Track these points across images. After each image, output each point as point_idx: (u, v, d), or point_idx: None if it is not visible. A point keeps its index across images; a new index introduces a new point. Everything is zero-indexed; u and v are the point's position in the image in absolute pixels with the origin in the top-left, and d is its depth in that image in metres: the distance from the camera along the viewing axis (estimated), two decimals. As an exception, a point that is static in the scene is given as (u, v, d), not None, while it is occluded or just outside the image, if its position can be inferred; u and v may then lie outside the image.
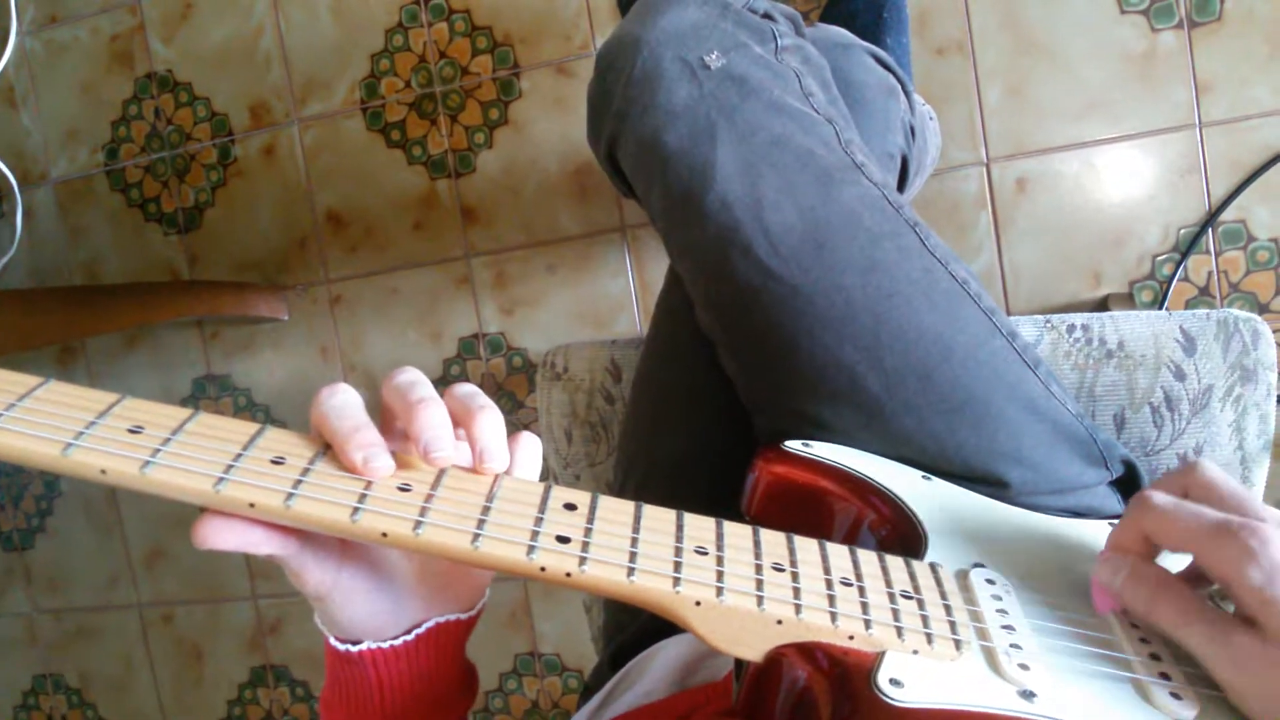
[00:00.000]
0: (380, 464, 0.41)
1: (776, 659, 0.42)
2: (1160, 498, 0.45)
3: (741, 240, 0.62)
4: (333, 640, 0.49)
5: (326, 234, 1.57)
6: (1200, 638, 0.42)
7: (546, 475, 1.43)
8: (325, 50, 1.54)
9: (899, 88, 0.84)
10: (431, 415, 0.43)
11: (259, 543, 0.41)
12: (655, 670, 0.66)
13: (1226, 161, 1.25)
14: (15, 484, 1.79)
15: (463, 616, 0.52)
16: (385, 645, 0.49)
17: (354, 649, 0.49)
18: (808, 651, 0.42)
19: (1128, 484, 0.66)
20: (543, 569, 0.40)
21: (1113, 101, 1.28)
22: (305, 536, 0.44)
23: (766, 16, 0.70)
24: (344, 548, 0.46)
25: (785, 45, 0.68)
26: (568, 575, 0.41)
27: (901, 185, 0.86)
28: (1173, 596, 0.44)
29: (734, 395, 0.71)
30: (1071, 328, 0.77)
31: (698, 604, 0.41)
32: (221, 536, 0.40)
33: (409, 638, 0.49)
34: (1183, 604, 0.43)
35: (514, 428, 1.50)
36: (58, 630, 1.80)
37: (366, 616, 0.48)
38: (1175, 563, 0.47)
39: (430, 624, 0.50)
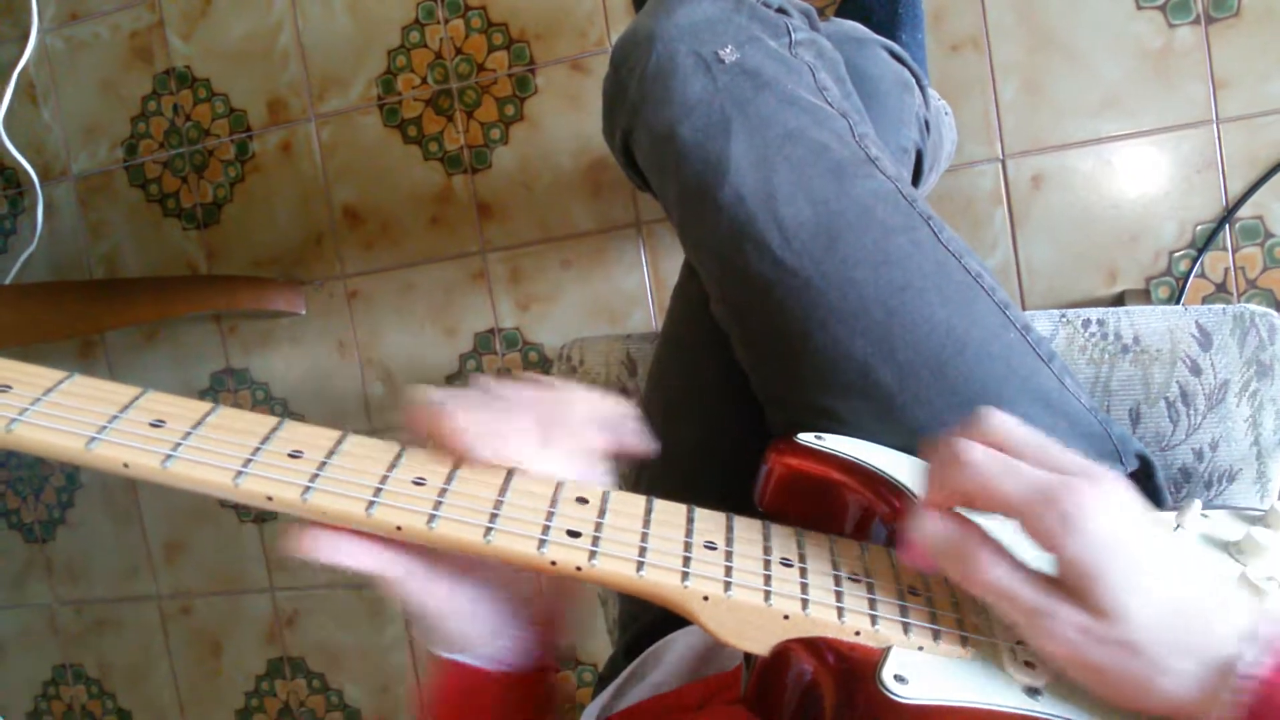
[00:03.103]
0: None
1: (783, 653, 0.43)
2: (974, 454, 0.41)
3: (755, 233, 0.63)
4: (458, 657, 0.48)
5: (343, 229, 1.58)
6: (1020, 613, 0.40)
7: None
8: (342, 47, 1.55)
9: (913, 82, 0.84)
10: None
11: (359, 555, 0.41)
12: (668, 661, 0.67)
13: (1244, 157, 1.25)
14: (36, 476, 1.80)
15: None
16: (508, 668, 0.48)
17: (473, 662, 0.48)
18: (814, 646, 0.42)
19: (1143, 479, 0.66)
20: (553, 563, 0.41)
21: (1129, 97, 1.27)
22: (419, 559, 0.43)
23: (780, 11, 0.70)
24: (454, 567, 0.45)
25: (799, 39, 0.69)
26: (578, 569, 0.41)
27: (916, 180, 0.86)
28: (990, 565, 0.41)
29: (748, 388, 0.71)
30: (1087, 322, 0.77)
31: (705, 599, 0.42)
32: (324, 549, 0.41)
33: (526, 661, 0.49)
34: (1000, 574, 0.40)
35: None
36: (78, 621, 1.82)
37: (478, 635, 0.47)
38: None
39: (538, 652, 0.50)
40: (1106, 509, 0.39)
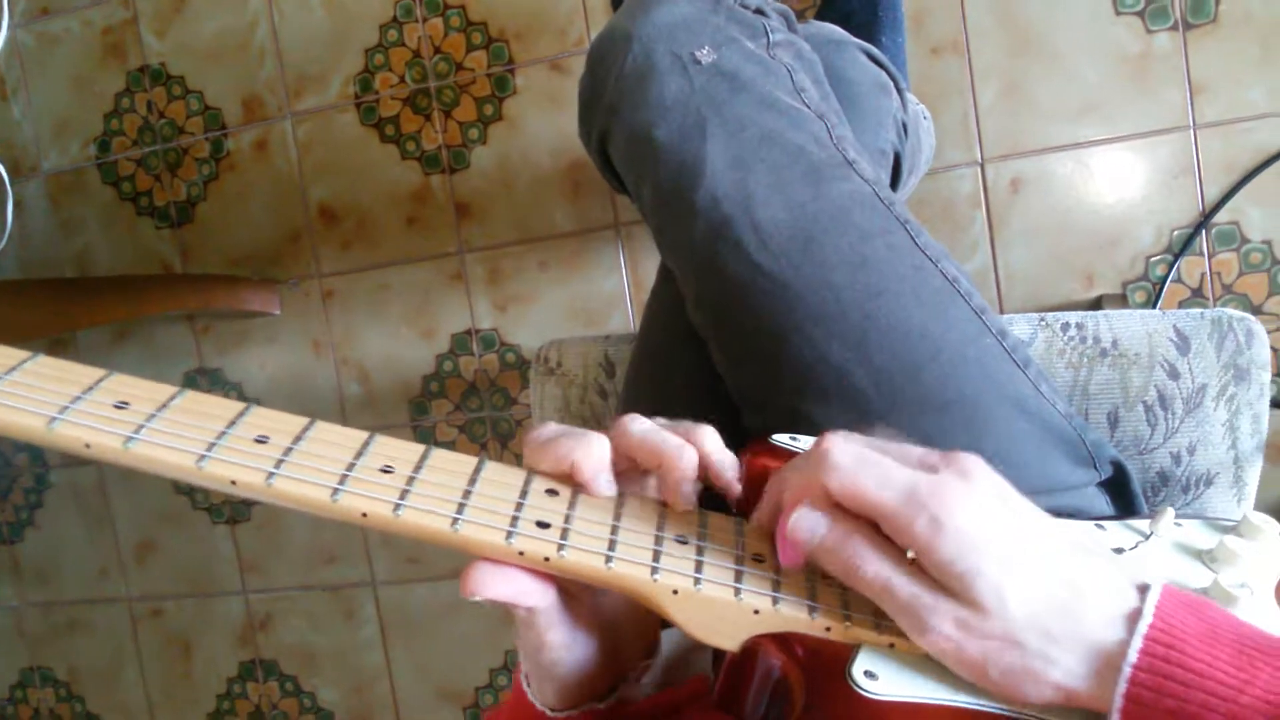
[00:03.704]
0: None
1: (753, 648, 0.42)
2: (840, 455, 0.41)
3: (731, 235, 0.62)
4: (553, 714, 0.47)
5: (319, 229, 1.57)
6: (896, 608, 0.39)
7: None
8: (319, 44, 1.54)
9: (892, 85, 0.84)
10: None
11: (529, 591, 0.41)
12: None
13: (1220, 163, 1.25)
14: (4, 476, 1.78)
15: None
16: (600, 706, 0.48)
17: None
18: (783, 641, 0.42)
19: (1116, 485, 0.66)
20: (521, 553, 0.40)
21: (1107, 102, 1.28)
22: (563, 591, 0.43)
23: (759, 12, 0.70)
24: (576, 615, 0.45)
25: (777, 41, 0.68)
26: (546, 560, 0.40)
27: (894, 183, 0.86)
28: (864, 559, 0.40)
29: (723, 392, 0.70)
30: (1066, 326, 0.77)
31: (675, 592, 0.41)
32: (493, 585, 0.40)
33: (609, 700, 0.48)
34: (874, 568, 0.40)
35: (506, 425, 1.50)
36: (46, 623, 1.80)
37: (584, 680, 0.47)
38: None
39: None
40: (974, 506, 0.38)
